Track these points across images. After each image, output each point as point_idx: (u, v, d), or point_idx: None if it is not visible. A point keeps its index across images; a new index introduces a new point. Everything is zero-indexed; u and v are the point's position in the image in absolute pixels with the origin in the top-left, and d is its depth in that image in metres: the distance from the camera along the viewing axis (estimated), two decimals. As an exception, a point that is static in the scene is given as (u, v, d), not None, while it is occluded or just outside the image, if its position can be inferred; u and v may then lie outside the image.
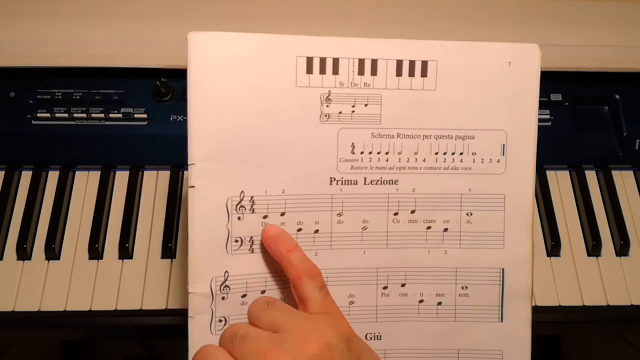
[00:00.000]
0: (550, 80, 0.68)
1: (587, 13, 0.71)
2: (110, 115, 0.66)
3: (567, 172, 0.68)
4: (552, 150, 0.67)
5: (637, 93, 0.70)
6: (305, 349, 0.39)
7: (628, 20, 0.71)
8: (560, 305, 0.61)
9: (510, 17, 0.71)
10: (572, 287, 0.62)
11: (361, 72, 0.48)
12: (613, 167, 0.68)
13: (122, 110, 0.66)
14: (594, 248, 0.63)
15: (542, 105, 0.67)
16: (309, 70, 0.47)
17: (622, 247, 0.64)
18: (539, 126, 0.66)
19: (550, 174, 0.68)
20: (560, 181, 0.68)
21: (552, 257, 0.63)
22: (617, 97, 0.70)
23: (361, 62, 0.48)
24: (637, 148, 0.68)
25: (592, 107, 0.70)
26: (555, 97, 0.69)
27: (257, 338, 0.41)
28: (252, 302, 0.45)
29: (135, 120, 0.66)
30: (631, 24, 0.71)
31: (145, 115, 0.66)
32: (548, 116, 0.68)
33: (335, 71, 0.47)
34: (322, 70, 0.47)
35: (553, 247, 0.63)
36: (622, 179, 0.68)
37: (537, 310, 0.60)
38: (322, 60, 0.47)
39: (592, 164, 0.68)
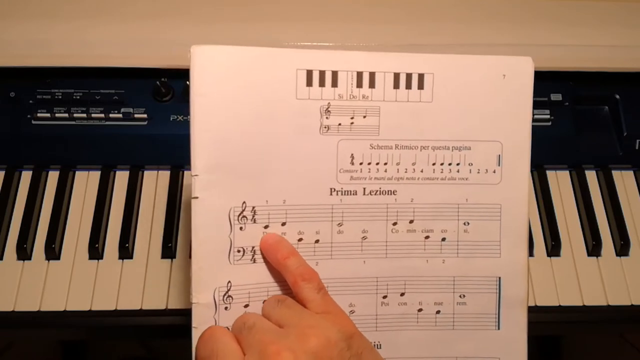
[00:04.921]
0: (550, 80, 0.68)
1: (587, 13, 0.71)
2: (110, 115, 0.66)
3: (567, 172, 0.68)
4: (552, 150, 0.68)
5: (637, 93, 0.70)
6: (305, 344, 0.40)
7: (628, 20, 0.71)
8: (560, 305, 0.61)
9: (510, 17, 0.70)
10: (572, 287, 0.62)
11: (359, 84, 0.48)
12: (613, 167, 0.68)
13: (122, 110, 0.66)
14: (594, 248, 0.63)
15: (542, 105, 0.68)
16: (309, 83, 0.48)
17: (622, 247, 0.64)
18: (539, 126, 0.68)
19: (550, 174, 0.68)
20: (560, 181, 0.68)
21: (552, 257, 0.63)
22: (617, 97, 0.70)
23: (359, 74, 0.48)
24: (637, 148, 0.68)
25: (592, 107, 0.71)
26: (555, 97, 0.69)
27: (263, 329, 0.43)
28: (266, 300, 0.47)
29: (135, 120, 0.66)
30: (631, 24, 0.70)
31: (145, 115, 0.66)
32: (548, 116, 0.68)
33: (334, 84, 0.48)
34: (322, 83, 0.48)
35: (553, 247, 0.63)
36: (622, 179, 0.68)
37: (537, 310, 0.60)
38: (322, 73, 0.48)
39: (592, 164, 0.68)
